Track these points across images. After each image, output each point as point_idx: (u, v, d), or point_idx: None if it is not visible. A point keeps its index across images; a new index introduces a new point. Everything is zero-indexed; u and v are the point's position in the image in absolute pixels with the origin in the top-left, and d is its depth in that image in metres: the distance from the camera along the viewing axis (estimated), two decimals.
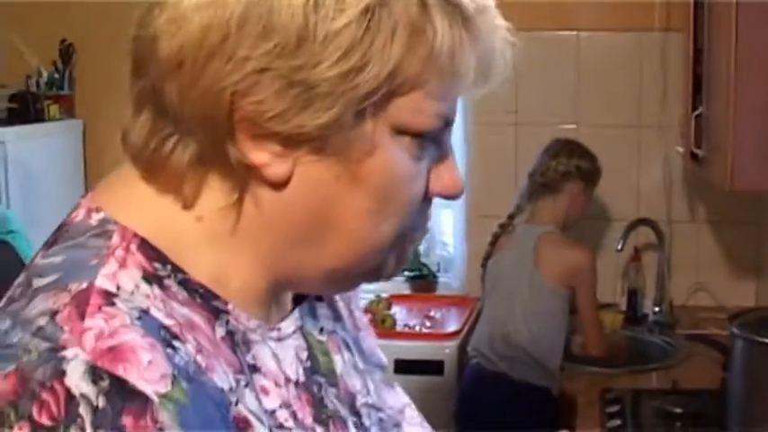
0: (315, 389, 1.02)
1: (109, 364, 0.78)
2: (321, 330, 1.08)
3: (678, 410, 2.86)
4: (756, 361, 2.48)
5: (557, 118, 4.11)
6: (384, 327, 3.81)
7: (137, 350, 0.80)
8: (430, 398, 3.35)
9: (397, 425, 1.16)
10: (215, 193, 0.92)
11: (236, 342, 0.93)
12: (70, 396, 0.76)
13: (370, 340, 1.21)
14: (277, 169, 0.89)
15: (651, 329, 3.87)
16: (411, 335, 3.88)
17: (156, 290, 0.87)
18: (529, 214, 3.62)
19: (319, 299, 1.11)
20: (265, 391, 0.94)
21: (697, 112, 3.18)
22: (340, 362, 1.08)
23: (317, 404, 1.01)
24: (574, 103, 4.15)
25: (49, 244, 0.92)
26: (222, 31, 0.85)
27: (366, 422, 1.08)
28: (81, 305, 0.82)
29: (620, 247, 3.80)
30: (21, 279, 0.89)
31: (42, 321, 0.82)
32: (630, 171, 4.12)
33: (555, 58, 4.12)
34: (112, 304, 0.83)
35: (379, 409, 1.12)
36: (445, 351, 3.74)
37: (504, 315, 3.47)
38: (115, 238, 0.89)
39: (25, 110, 4.29)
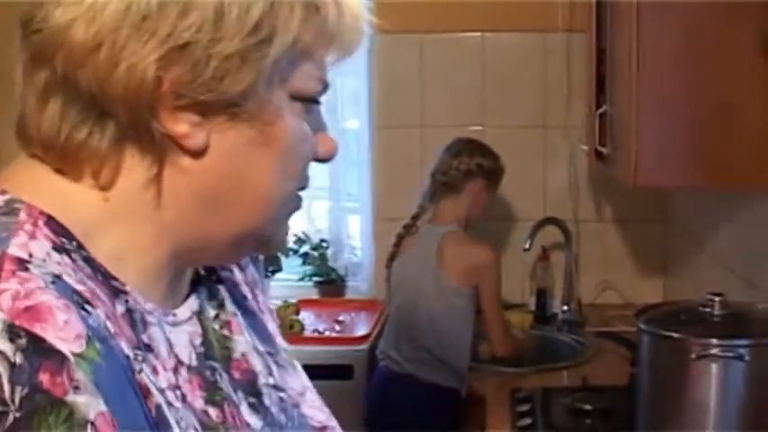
0: (207, 373, 1.04)
1: (26, 322, 0.80)
2: (217, 316, 1.11)
3: (588, 407, 2.88)
4: (662, 355, 2.48)
5: (462, 119, 4.11)
6: (292, 332, 3.77)
7: (53, 310, 0.82)
8: (340, 402, 3.24)
9: (297, 405, 1.18)
10: (134, 171, 0.96)
11: (135, 320, 0.95)
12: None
13: (272, 324, 1.25)
14: (196, 138, 0.95)
15: (560, 328, 3.90)
16: (320, 339, 3.85)
17: (66, 259, 0.90)
18: (432, 214, 3.61)
19: (219, 282, 1.15)
20: (156, 371, 0.95)
21: (601, 111, 3.20)
22: (243, 342, 1.12)
23: (210, 387, 1.03)
24: (479, 104, 4.15)
25: None
26: (141, 12, 0.90)
27: (266, 401, 1.10)
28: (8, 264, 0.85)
29: (527, 246, 3.80)
30: None
31: None
32: (537, 171, 4.14)
33: (460, 60, 4.13)
34: (26, 269, 0.85)
35: (280, 390, 1.15)
36: (354, 355, 3.71)
37: (410, 316, 3.46)
38: (22, 215, 0.91)
39: None
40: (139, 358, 0.92)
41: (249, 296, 1.21)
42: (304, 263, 4.39)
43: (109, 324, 0.88)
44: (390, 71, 4.13)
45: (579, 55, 3.88)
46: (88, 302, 0.87)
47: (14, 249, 0.86)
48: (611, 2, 3.12)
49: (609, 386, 3.04)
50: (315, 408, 1.23)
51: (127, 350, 0.89)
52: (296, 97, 1.00)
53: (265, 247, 1.11)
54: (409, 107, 4.14)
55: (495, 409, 3.09)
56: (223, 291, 1.14)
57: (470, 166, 3.52)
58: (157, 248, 0.99)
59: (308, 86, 1.02)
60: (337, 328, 3.99)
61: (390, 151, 4.15)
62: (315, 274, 4.38)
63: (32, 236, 0.89)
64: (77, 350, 0.80)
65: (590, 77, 3.50)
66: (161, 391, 0.94)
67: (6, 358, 0.77)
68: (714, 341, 2.34)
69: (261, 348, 1.16)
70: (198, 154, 0.96)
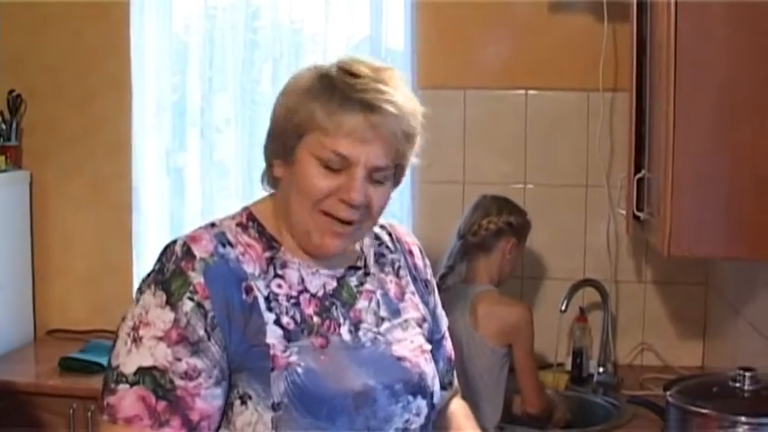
0: (327, 303, 1.88)
1: (190, 241, 1.81)
2: (356, 285, 1.96)
3: None
4: (690, 429, 2.45)
5: (504, 177, 4.11)
6: None
7: (203, 240, 1.83)
8: None
9: (389, 343, 1.92)
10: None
11: (275, 261, 1.87)
12: (173, 251, 1.80)
13: (406, 306, 2.03)
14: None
15: (595, 390, 3.84)
16: None
17: (238, 229, 1.90)
18: (464, 275, 3.57)
19: (382, 270, 2.03)
20: (279, 286, 1.84)
21: (639, 176, 3.16)
22: (364, 304, 1.94)
23: (322, 307, 1.87)
24: (521, 161, 4.14)
25: None
26: None
27: (360, 332, 1.89)
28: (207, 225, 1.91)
29: (563, 308, 3.73)
30: None
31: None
32: (577, 231, 4.11)
33: (503, 117, 4.12)
34: (211, 227, 1.88)
35: (379, 334, 1.92)
36: None
37: None
38: (242, 211, 1.96)
39: None
40: (261, 276, 1.83)
41: (392, 291, 2.01)
42: None
43: (240, 255, 1.83)
44: (433, 126, 4.11)
45: (623, 114, 3.83)
46: (230, 244, 1.83)
47: (216, 221, 1.90)
48: (650, 63, 3.09)
49: None
50: (406, 349, 1.94)
51: (249, 269, 1.82)
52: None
53: (309, 244, 1.88)
54: (452, 163, 4.12)
55: None
56: (373, 280, 1.99)
57: (500, 225, 3.51)
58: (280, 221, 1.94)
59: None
60: None
61: (431, 205, 4.13)
62: None
63: (233, 218, 1.92)
64: (204, 256, 1.78)
65: (629, 140, 3.46)
66: (274, 294, 1.82)
67: (176, 253, 1.79)
68: (742, 418, 2.32)
69: (381, 313, 1.95)
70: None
